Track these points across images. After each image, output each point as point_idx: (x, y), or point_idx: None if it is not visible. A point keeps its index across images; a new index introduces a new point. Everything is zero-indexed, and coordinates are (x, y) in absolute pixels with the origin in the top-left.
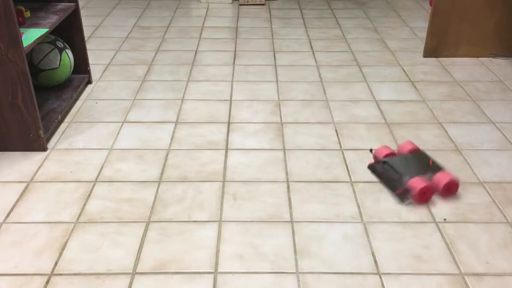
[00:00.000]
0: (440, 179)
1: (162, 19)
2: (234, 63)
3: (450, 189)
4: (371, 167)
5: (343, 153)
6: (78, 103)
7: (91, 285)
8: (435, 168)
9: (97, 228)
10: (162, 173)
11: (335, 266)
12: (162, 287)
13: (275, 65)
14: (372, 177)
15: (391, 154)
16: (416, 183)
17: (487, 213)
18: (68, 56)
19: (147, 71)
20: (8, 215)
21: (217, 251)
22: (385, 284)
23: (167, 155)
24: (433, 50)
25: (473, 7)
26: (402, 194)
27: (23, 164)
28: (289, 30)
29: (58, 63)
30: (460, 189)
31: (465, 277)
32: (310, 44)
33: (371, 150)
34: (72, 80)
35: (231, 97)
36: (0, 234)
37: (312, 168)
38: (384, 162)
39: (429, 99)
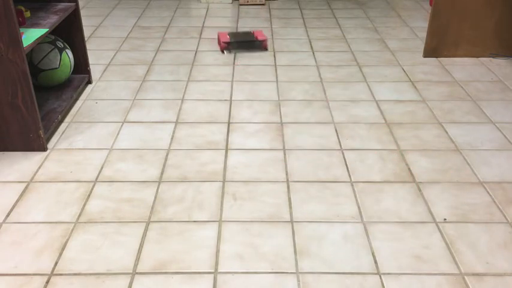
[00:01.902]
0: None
1: (162, 19)
2: (234, 63)
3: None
4: (227, 48)
5: (343, 153)
6: (78, 103)
7: (91, 285)
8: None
9: (97, 228)
10: (162, 173)
11: (335, 266)
12: (162, 287)
13: (275, 65)
14: (372, 177)
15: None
16: (260, 35)
17: (487, 213)
18: (68, 56)
19: (147, 71)
20: (8, 215)
21: (217, 251)
22: (385, 284)
23: (167, 155)
24: (433, 50)
25: (473, 7)
26: (263, 46)
27: (23, 164)
28: (289, 30)
29: (58, 63)
30: (460, 189)
31: (465, 277)
32: (310, 44)
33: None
34: (72, 80)
35: (231, 97)
36: (0, 234)
37: (312, 168)
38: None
39: (429, 99)
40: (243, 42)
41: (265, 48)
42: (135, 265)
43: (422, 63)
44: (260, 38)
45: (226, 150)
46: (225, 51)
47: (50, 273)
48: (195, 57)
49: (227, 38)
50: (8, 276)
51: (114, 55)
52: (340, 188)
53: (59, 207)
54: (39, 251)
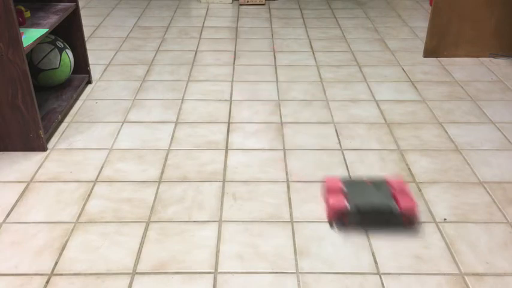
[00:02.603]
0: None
1: (162, 19)
2: (234, 63)
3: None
4: (342, 222)
5: (343, 153)
6: (78, 103)
7: (91, 285)
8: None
9: (97, 228)
10: (162, 173)
11: (335, 266)
12: (162, 287)
13: (275, 65)
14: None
15: (339, 198)
16: (406, 202)
17: (487, 213)
18: (68, 55)
19: (147, 71)
20: (8, 215)
21: (217, 251)
22: (385, 284)
23: (167, 155)
24: (433, 50)
25: (473, 7)
26: (408, 221)
27: (23, 164)
28: (289, 30)
29: (58, 63)
30: (460, 189)
31: (465, 277)
32: (310, 44)
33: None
34: (72, 80)
35: (231, 97)
36: (0, 234)
37: (312, 168)
38: (357, 210)
39: (429, 99)
40: (374, 214)
41: (410, 223)
42: (135, 265)
43: (422, 63)
44: (404, 203)
45: (226, 150)
46: (335, 226)
47: (50, 273)
48: (195, 57)
49: (344, 204)
50: (8, 276)
51: (114, 55)
52: None
53: (59, 207)
54: (39, 251)
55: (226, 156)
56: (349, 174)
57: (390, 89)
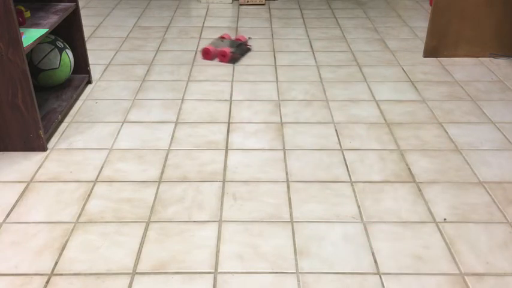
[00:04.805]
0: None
1: (162, 19)
2: (234, 63)
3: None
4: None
5: (343, 153)
6: (78, 103)
7: (91, 285)
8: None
9: (97, 228)
10: (162, 173)
11: (335, 266)
12: (162, 287)
13: (275, 65)
14: (372, 177)
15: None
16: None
17: (487, 213)
18: (68, 55)
19: (147, 71)
20: (8, 215)
21: (217, 251)
22: (385, 284)
23: (167, 155)
24: (433, 50)
25: (473, 7)
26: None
27: (23, 164)
28: (289, 30)
29: (58, 63)
30: (460, 189)
31: (465, 277)
32: (310, 44)
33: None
34: (72, 80)
35: (231, 97)
36: (0, 234)
37: (312, 168)
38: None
39: (429, 99)
40: (238, 46)
41: (247, 45)
42: (135, 265)
43: (422, 63)
44: (242, 38)
45: (226, 150)
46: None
47: (50, 273)
48: (195, 57)
49: (227, 50)
50: (8, 276)
51: (114, 55)
52: (340, 188)
53: (59, 207)
54: (39, 251)
55: (226, 156)
56: (349, 174)
57: (390, 89)
